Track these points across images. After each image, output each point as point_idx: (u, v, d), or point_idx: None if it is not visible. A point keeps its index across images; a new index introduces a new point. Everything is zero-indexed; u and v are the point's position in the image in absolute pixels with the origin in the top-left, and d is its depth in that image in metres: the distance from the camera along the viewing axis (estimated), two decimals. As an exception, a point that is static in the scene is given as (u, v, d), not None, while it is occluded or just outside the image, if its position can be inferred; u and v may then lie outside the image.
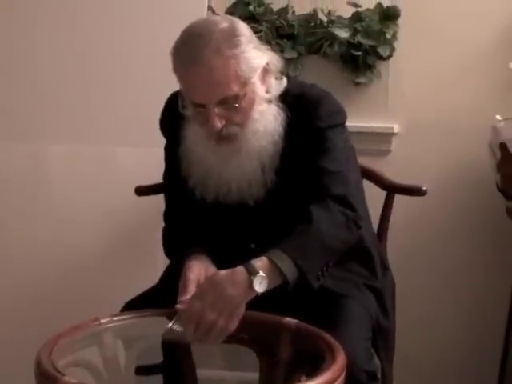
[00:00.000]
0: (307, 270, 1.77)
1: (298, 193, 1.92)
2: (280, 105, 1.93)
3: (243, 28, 1.87)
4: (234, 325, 1.70)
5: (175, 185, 2.04)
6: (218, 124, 1.84)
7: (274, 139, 1.90)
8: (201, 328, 1.67)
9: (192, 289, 1.78)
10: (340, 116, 1.99)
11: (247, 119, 1.87)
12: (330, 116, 1.94)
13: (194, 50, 1.80)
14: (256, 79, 1.87)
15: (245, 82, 1.83)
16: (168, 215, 2.09)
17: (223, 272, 1.73)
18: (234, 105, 1.83)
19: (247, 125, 1.88)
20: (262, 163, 1.90)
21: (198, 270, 1.84)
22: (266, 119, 1.90)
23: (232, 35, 1.82)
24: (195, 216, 2.01)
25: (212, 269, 1.86)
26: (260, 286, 1.71)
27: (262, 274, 1.72)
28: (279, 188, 1.92)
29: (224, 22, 1.85)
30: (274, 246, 1.78)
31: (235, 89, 1.81)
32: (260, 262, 1.74)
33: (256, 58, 1.85)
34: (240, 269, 1.72)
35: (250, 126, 1.88)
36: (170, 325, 1.72)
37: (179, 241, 1.98)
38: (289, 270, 1.75)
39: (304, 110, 1.92)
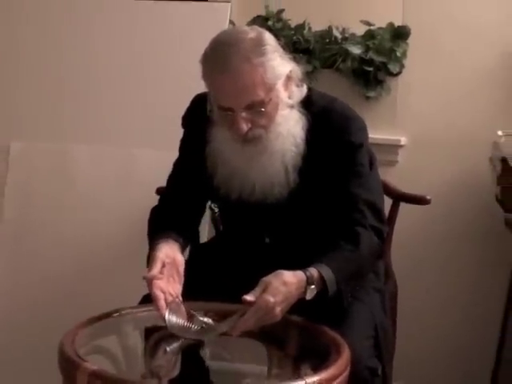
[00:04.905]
0: (345, 292, 1.83)
1: (317, 194, 1.94)
2: (302, 110, 1.93)
3: (269, 38, 1.88)
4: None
5: (182, 174, 2.06)
6: (245, 127, 1.84)
7: (296, 142, 1.91)
8: (264, 319, 1.70)
9: (158, 266, 1.79)
10: (366, 132, 2.00)
11: (271, 123, 1.88)
12: (359, 130, 1.96)
13: (223, 57, 1.81)
14: (280, 86, 1.87)
15: (270, 88, 1.84)
16: (164, 198, 2.11)
17: (289, 274, 1.74)
18: (260, 109, 1.84)
19: (271, 128, 1.88)
20: (285, 164, 1.91)
21: (165, 251, 1.84)
22: (289, 123, 1.91)
23: (259, 44, 1.83)
24: (198, 208, 2.06)
25: (178, 254, 1.87)
26: (309, 295, 1.76)
27: (313, 286, 1.76)
28: (300, 188, 1.93)
29: (252, 32, 1.86)
30: (321, 260, 1.81)
31: (261, 94, 1.82)
32: (315, 275, 1.77)
33: (280, 65, 1.86)
34: (302, 276, 1.75)
35: (274, 129, 1.89)
36: (167, 316, 1.73)
37: (162, 223, 1.98)
38: (332, 289, 1.79)
39: (334, 123, 1.93)
